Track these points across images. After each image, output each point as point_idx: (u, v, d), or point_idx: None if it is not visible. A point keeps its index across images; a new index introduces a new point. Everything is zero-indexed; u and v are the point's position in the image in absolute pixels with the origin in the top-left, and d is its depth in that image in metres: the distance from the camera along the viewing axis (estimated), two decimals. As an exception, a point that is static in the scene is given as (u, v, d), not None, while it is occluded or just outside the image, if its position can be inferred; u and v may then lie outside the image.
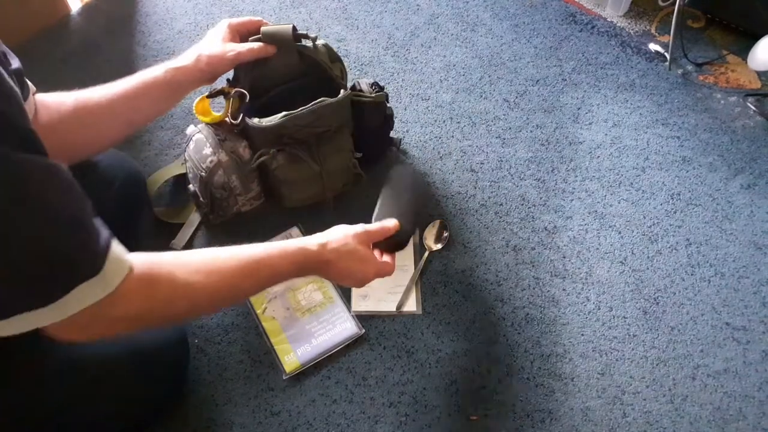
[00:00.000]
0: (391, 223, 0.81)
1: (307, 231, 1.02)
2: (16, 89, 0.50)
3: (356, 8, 1.38)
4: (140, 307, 0.58)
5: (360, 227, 0.78)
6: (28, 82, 0.69)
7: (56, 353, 0.70)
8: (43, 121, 0.72)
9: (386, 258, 0.82)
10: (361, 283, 0.79)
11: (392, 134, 1.10)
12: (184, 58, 0.84)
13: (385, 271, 0.79)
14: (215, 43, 0.86)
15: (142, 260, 0.58)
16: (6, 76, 0.48)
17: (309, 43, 0.91)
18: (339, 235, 0.76)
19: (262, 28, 0.88)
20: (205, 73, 0.84)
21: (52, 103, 0.74)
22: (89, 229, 0.53)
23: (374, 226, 0.80)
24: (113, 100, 0.78)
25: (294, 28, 0.89)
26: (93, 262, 0.52)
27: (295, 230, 1.03)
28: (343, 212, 1.04)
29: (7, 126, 0.46)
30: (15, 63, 0.63)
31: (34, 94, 0.70)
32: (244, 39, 0.90)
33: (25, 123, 0.49)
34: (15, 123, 0.47)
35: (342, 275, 0.76)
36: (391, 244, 0.82)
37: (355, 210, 1.04)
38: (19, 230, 0.47)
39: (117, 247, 0.55)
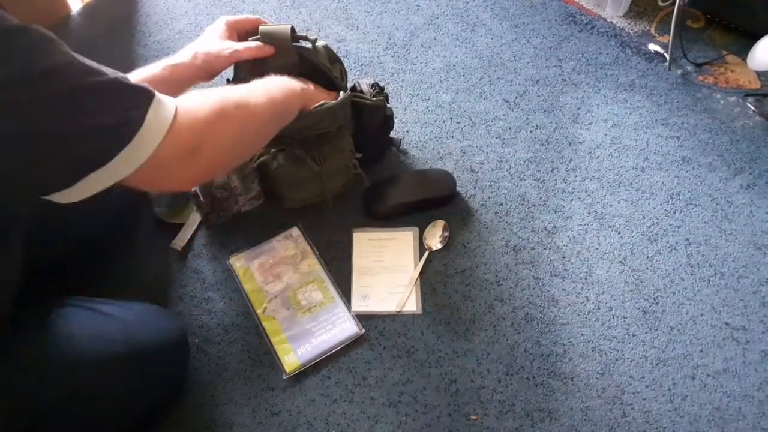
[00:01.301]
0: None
1: (307, 231, 1.02)
2: None
3: (356, 8, 1.39)
4: (215, 139, 0.65)
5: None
6: None
7: (57, 351, 0.70)
8: None
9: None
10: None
11: (392, 134, 1.10)
12: (181, 55, 0.84)
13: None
14: (212, 40, 0.86)
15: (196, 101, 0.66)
16: None
17: (308, 45, 0.91)
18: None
19: (261, 28, 0.88)
20: (201, 70, 0.84)
21: None
22: (129, 88, 0.60)
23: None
24: None
25: (293, 29, 0.89)
26: (138, 113, 0.58)
27: (295, 230, 1.03)
28: (343, 212, 1.04)
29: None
30: None
31: None
32: (242, 37, 0.90)
33: None
34: None
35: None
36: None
37: (356, 210, 1.05)
38: (73, 107, 0.54)
39: (160, 95, 0.61)
